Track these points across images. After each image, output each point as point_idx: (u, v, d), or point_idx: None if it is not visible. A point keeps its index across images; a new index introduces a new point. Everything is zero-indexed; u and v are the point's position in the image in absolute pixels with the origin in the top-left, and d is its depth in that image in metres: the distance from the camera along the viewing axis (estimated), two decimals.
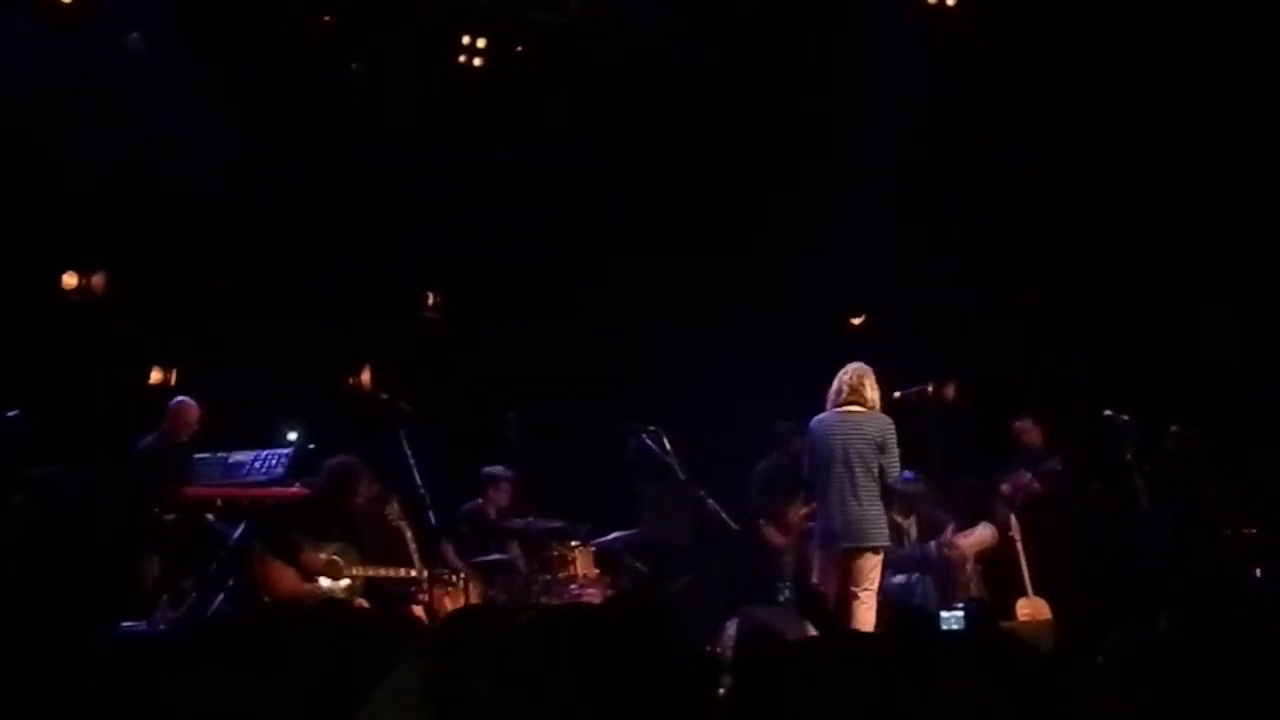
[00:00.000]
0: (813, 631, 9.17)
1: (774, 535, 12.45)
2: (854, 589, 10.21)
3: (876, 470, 10.33)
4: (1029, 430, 13.36)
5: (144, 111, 12.66)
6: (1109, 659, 3.17)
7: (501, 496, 12.59)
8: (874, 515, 10.33)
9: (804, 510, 12.10)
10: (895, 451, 10.40)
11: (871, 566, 10.30)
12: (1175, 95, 13.22)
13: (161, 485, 11.37)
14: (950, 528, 12.87)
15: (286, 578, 10.09)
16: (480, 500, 12.61)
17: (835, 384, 10.53)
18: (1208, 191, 13.34)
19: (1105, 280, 13.95)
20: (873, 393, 10.52)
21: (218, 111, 12.80)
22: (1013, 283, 14.32)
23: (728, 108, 14.08)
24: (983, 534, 12.92)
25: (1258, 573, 11.42)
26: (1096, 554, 12.64)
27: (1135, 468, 12.35)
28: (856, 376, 10.49)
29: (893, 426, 10.47)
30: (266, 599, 9.97)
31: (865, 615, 10.12)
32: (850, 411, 10.44)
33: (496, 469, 12.58)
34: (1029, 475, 13.07)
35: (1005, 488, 13.11)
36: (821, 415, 10.56)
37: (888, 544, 10.63)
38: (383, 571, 10.58)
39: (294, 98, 13.37)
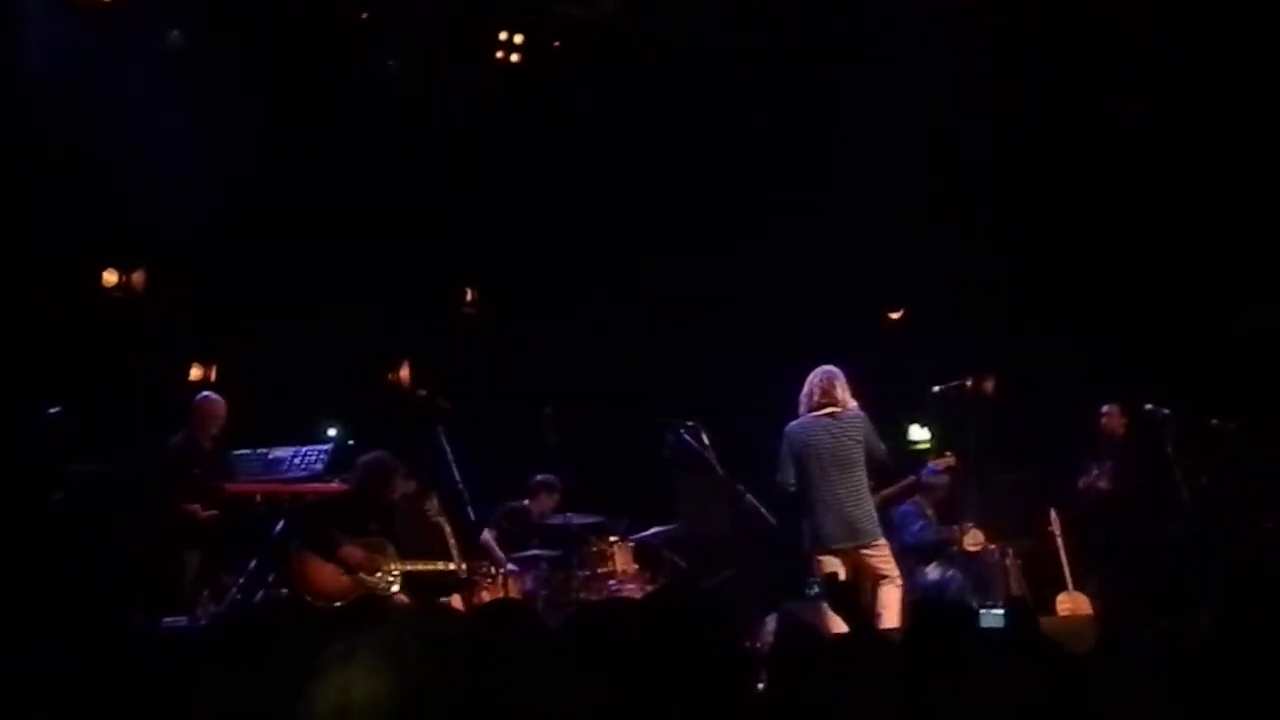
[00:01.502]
0: (842, 626, 9.20)
1: None
2: (881, 579, 10.48)
3: (862, 467, 10.59)
4: (1114, 418, 13.20)
5: (184, 108, 12.69)
6: (1148, 655, 3.15)
7: (548, 503, 12.64)
8: (867, 511, 10.61)
9: None
10: (877, 439, 10.76)
11: (885, 558, 10.58)
12: (1211, 81, 13.11)
13: (194, 481, 11.41)
14: (964, 529, 12.81)
15: (325, 574, 10.12)
16: (526, 502, 12.65)
17: (807, 388, 10.82)
18: (1246, 183, 13.24)
19: (1145, 273, 13.86)
20: (844, 393, 10.79)
21: (258, 108, 12.85)
22: (1052, 276, 14.23)
23: (763, 99, 14.06)
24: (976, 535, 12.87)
25: None
26: (1138, 548, 12.58)
27: (1175, 462, 12.31)
28: (828, 379, 10.79)
29: (868, 420, 10.76)
30: (307, 595, 10.00)
31: (895, 599, 10.43)
32: (827, 413, 10.70)
33: (550, 477, 12.67)
34: (1097, 472, 13.01)
35: (1081, 482, 13.04)
36: (800, 420, 10.80)
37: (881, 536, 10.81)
38: (421, 566, 10.60)
39: (332, 95, 13.40)
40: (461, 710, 2.04)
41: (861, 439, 10.63)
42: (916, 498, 12.99)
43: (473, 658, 2.11)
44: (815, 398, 10.74)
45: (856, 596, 10.12)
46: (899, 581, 10.60)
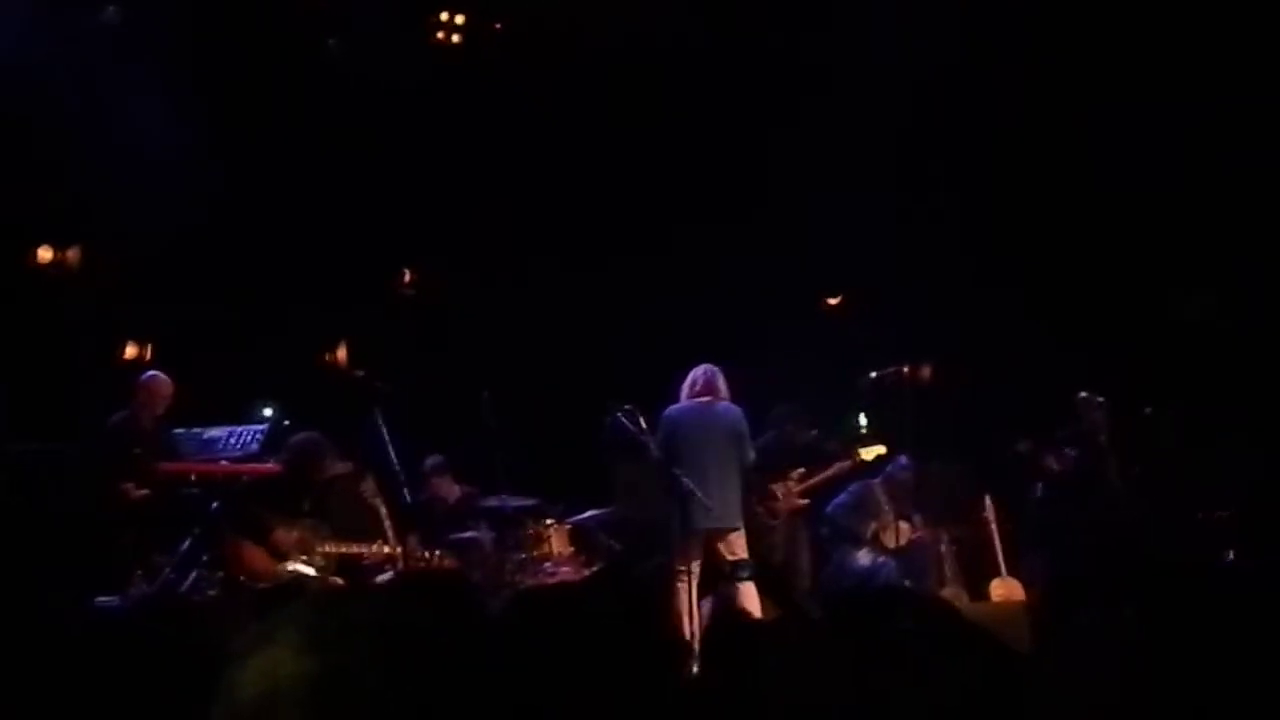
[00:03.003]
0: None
1: (762, 512, 12.63)
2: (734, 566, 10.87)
3: (732, 454, 10.94)
4: (1097, 407, 12.93)
5: (118, 84, 12.59)
6: (1074, 642, 3.18)
7: (449, 486, 12.62)
8: (736, 498, 10.96)
9: (797, 488, 12.76)
10: (748, 440, 11.13)
11: (743, 545, 10.91)
12: (1169, 68, 13.17)
13: (135, 461, 11.33)
14: (884, 523, 12.89)
15: (257, 557, 10.06)
16: (429, 496, 12.58)
17: (689, 379, 11.23)
18: (1189, 169, 13.34)
19: (1081, 259, 13.95)
20: (723, 388, 11.19)
21: (194, 84, 12.76)
22: (990, 262, 14.30)
23: (709, 82, 14.04)
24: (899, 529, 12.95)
25: (1230, 555, 11.45)
26: (1074, 535, 12.65)
27: (1110, 450, 12.40)
28: (710, 372, 11.21)
29: (743, 417, 11.15)
30: (240, 577, 9.93)
31: (751, 588, 10.77)
32: (708, 402, 11.10)
33: (437, 459, 12.69)
34: (1076, 452, 12.92)
35: (1050, 462, 13.01)
36: (680, 405, 11.17)
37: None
38: (356, 549, 10.55)
39: (271, 73, 13.31)
40: (388, 691, 2.03)
41: (734, 430, 11.02)
42: (875, 482, 12.99)
43: (395, 636, 2.09)
44: (698, 386, 11.16)
45: (789, 581, 10.26)
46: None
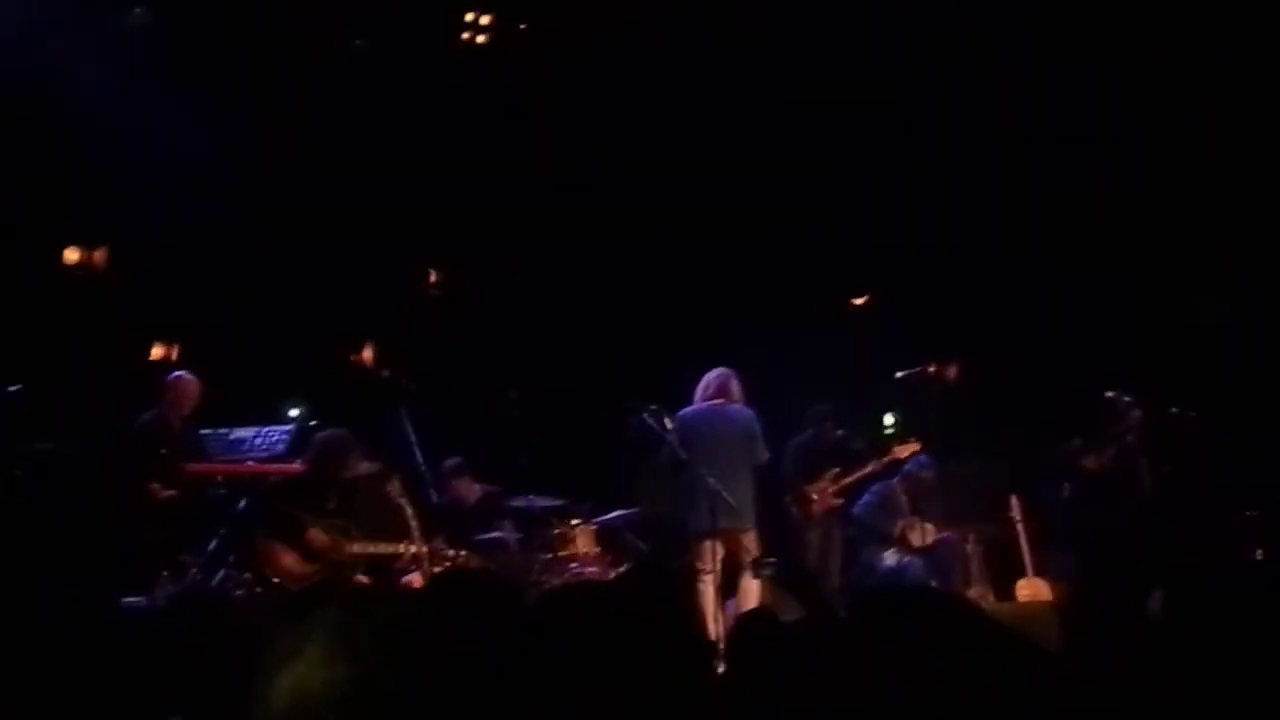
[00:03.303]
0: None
1: (797, 512, 12.71)
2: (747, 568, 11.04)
3: (745, 455, 11.18)
4: (1129, 407, 12.77)
5: (146, 84, 12.63)
6: (1100, 640, 3.17)
7: (469, 487, 12.61)
8: (749, 499, 11.11)
9: (832, 488, 12.94)
10: (762, 440, 11.33)
11: (754, 544, 11.08)
12: (1182, 62, 13.12)
13: (162, 461, 11.36)
14: (910, 523, 12.89)
15: (290, 557, 10.07)
16: (450, 498, 12.57)
17: (704, 381, 11.52)
18: (1210, 170, 13.29)
19: (1110, 260, 13.90)
20: (737, 387, 11.44)
21: (220, 84, 12.78)
22: (1018, 263, 14.25)
23: (731, 80, 14.02)
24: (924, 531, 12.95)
25: (1259, 554, 11.41)
26: (1103, 535, 12.60)
27: (1139, 449, 12.35)
28: (724, 375, 11.49)
29: (755, 418, 11.36)
30: (274, 579, 9.94)
31: (754, 588, 11.01)
32: (720, 404, 11.35)
33: (455, 461, 12.64)
34: (1108, 452, 12.85)
35: (1086, 461, 12.96)
36: (693, 408, 11.43)
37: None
38: (383, 548, 10.56)
39: (298, 72, 13.34)
40: (423, 692, 2.01)
41: (746, 432, 11.23)
42: (894, 481, 13.01)
43: (427, 638, 2.07)
44: (710, 389, 11.43)
45: (815, 581, 10.31)
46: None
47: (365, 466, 10.67)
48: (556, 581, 11.01)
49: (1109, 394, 12.60)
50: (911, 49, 13.26)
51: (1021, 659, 2.62)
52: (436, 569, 10.75)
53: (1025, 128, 13.92)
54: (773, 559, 11.34)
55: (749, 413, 11.32)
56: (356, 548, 10.32)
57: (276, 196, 13.41)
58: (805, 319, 14.05)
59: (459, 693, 2.05)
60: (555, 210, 14.29)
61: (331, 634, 2.04)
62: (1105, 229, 13.86)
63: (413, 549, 10.58)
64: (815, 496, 12.80)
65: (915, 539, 12.71)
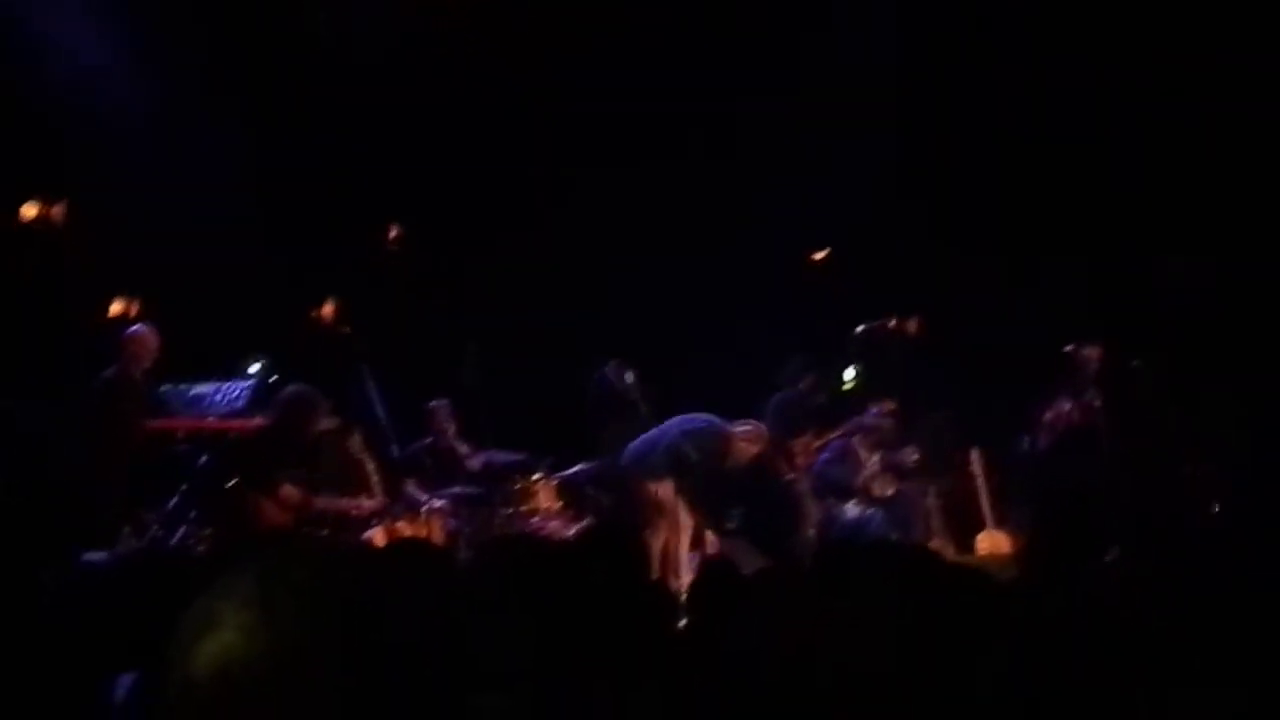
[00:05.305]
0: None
1: (781, 466, 12.75)
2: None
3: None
4: (1092, 360, 12.86)
5: (106, 38, 12.53)
6: (1061, 591, 3.19)
7: (447, 425, 12.59)
8: None
9: (815, 443, 12.94)
10: None
11: None
12: (1164, 32, 13.13)
13: (123, 417, 11.30)
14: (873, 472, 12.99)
15: (268, 511, 10.07)
16: (431, 439, 12.58)
17: None
18: (1176, 132, 13.31)
19: (1072, 214, 13.92)
20: None
21: (179, 40, 12.70)
22: (979, 216, 14.27)
23: (698, 28, 13.98)
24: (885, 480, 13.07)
25: (1216, 508, 11.46)
26: (1061, 487, 12.64)
27: (1099, 403, 12.41)
28: None
29: None
30: (253, 534, 9.93)
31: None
32: None
33: (441, 402, 12.61)
34: (1070, 405, 12.89)
35: (1047, 415, 12.98)
36: None
37: None
38: (344, 503, 10.57)
39: (258, 29, 13.25)
40: (353, 663, 1.90)
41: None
42: (855, 438, 13.06)
43: (358, 607, 1.95)
44: None
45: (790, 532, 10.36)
46: None
47: (326, 422, 10.68)
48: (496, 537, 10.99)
49: (1069, 347, 12.64)
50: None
51: (983, 607, 2.63)
52: (403, 521, 10.79)
53: (994, 80, 13.93)
54: (738, 509, 11.39)
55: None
56: (323, 503, 10.34)
57: (237, 150, 13.31)
58: (766, 272, 14.05)
59: (394, 660, 1.94)
60: (518, 163, 14.25)
61: (251, 601, 1.90)
62: (1075, 184, 13.85)
63: (373, 504, 10.62)
64: (799, 451, 12.81)
65: (877, 489, 12.76)
